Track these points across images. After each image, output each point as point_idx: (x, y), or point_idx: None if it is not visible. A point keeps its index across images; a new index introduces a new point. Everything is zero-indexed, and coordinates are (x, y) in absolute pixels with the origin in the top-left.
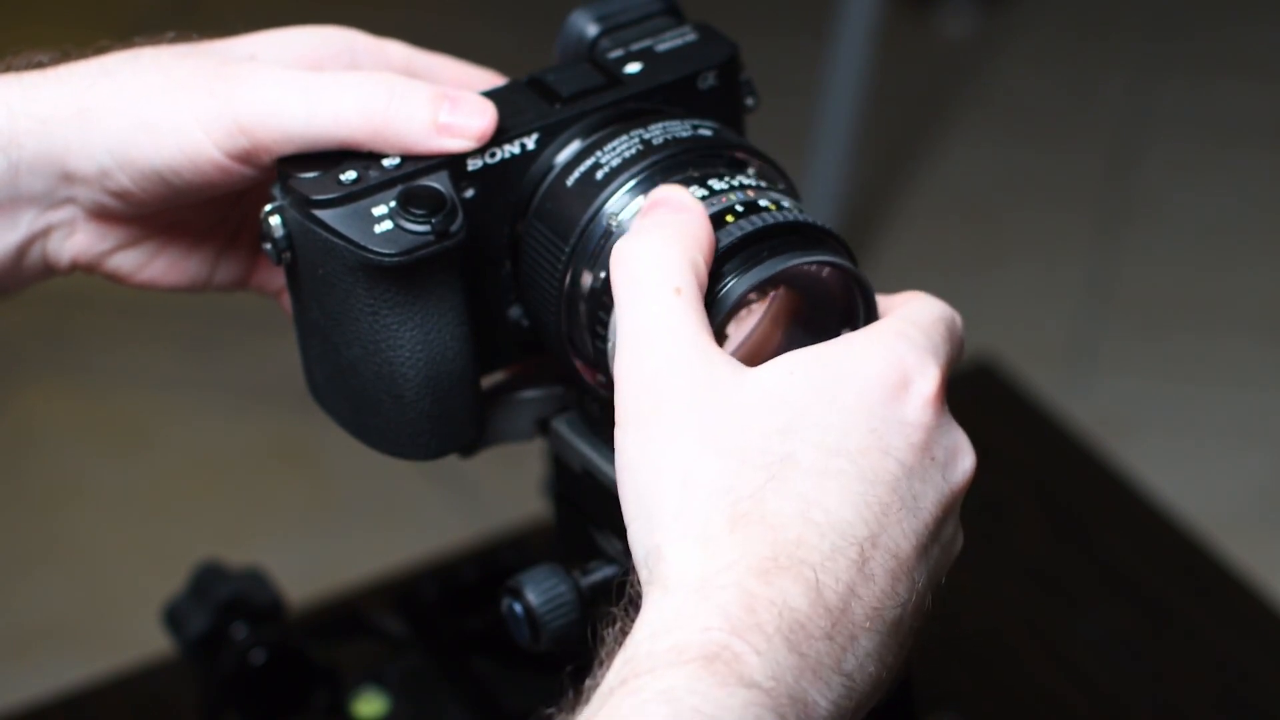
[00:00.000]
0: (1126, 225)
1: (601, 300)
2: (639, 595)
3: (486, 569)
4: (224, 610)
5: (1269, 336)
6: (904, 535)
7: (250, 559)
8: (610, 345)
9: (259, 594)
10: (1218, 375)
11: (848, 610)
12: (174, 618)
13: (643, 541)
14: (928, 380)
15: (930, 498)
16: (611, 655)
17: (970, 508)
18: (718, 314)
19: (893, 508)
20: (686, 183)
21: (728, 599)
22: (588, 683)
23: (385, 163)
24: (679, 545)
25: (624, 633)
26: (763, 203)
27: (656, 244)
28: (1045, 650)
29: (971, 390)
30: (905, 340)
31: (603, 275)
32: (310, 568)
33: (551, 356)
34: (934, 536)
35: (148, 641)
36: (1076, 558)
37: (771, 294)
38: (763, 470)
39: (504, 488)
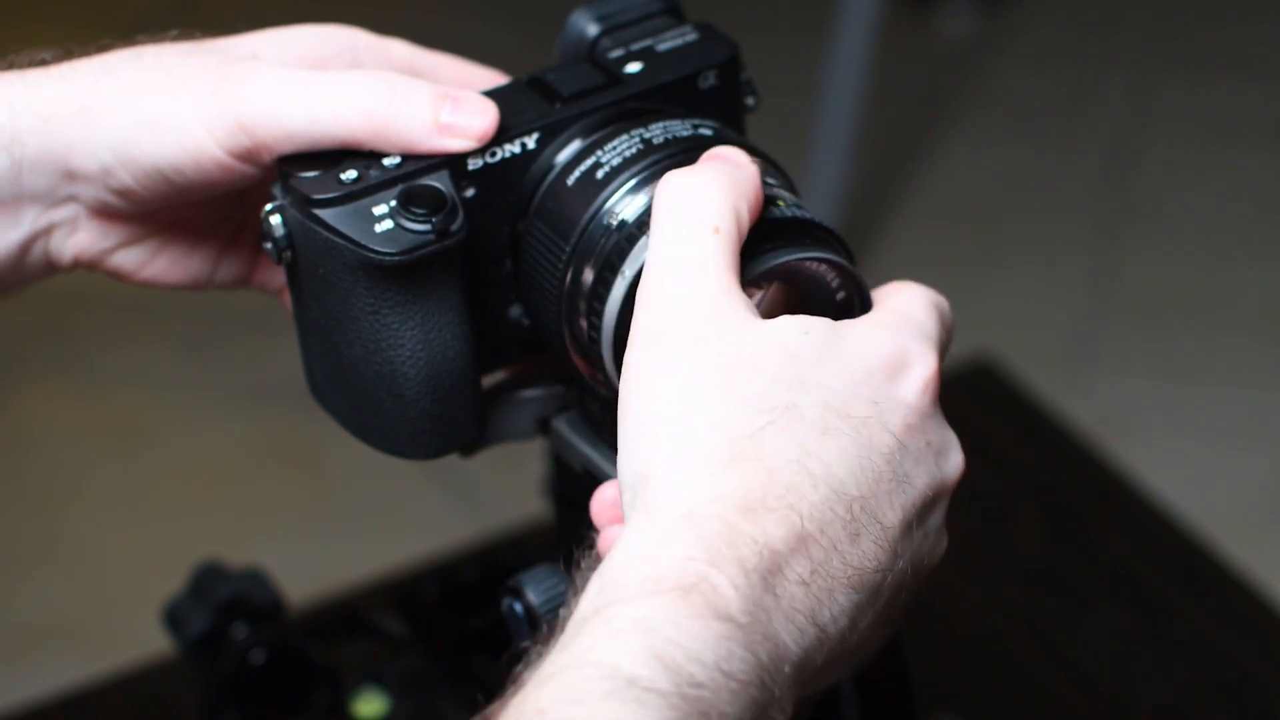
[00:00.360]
0: (1126, 225)
1: (597, 291)
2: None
3: (486, 569)
4: (224, 610)
5: (1269, 336)
6: (892, 507)
7: (250, 559)
8: (604, 331)
9: (259, 594)
10: (1218, 375)
11: (829, 563)
12: (174, 618)
13: (634, 465)
14: (926, 366)
15: (922, 480)
16: (586, 581)
17: (970, 507)
18: None
19: (885, 478)
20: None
21: (711, 531)
22: (562, 612)
23: (386, 162)
24: (670, 474)
25: (599, 558)
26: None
27: (705, 182)
28: (1045, 650)
29: (971, 390)
30: (905, 326)
31: (604, 272)
32: (310, 568)
33: (552, 356)
34: (920, 518)
35: (148, 641)
36: (1076, 558)
37: (764, 288)
38: (765, 415)
39: (504, 488)
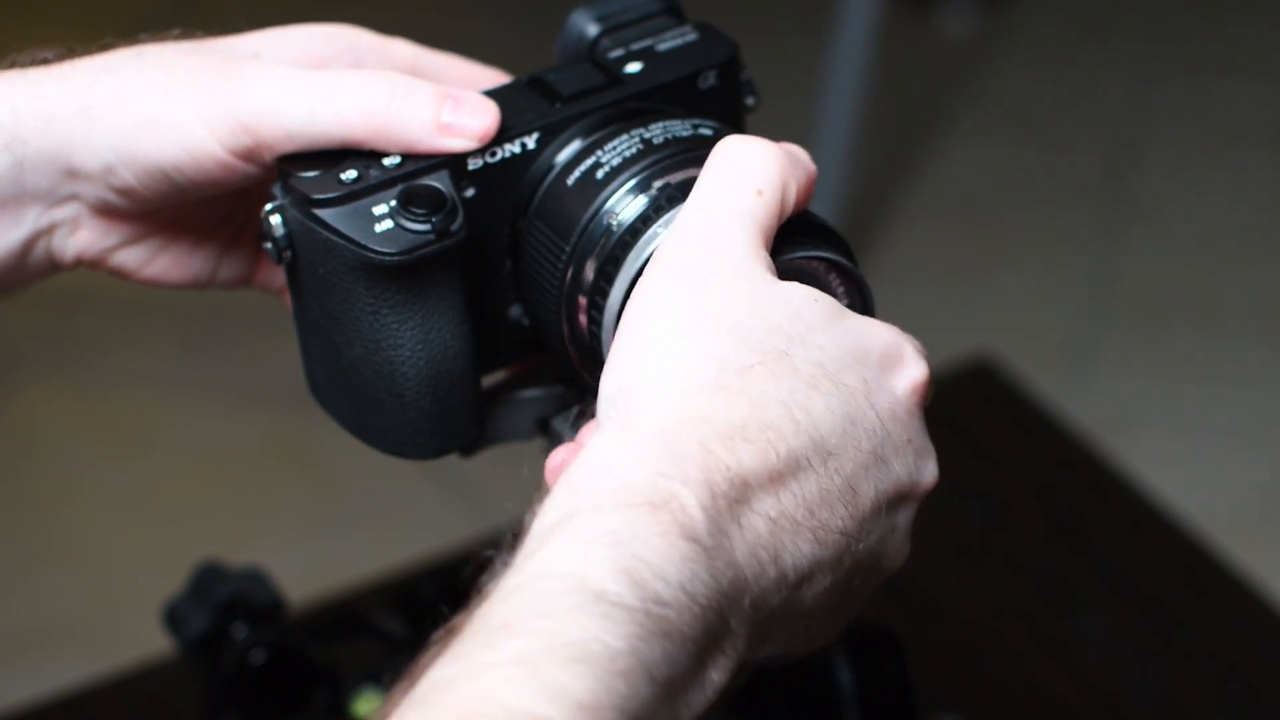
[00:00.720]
0: (1126, 225)
1: (598, 290)
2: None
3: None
4: (224, 610)
5: (1269, 337)
6: (866, 482)
7: (250, 559)
8: (604, 331)
9: (259, 594)
10: (1218, 375)
11: (796, 509)
12: (174, 618)
13: (618, 378)
14: (919, 370)
15: (899, 469)
16: (552, 489)
17: (970, 507)
18: None
19: (865, 451)
20: (679, 172)
21: (686, 451)
22: (526, 518)
23: (386, 162)
24: (654, 389)
25: (565, 464)
26: None
27: (761, 152)
28: (1045, 650)
29: (971, 390)
30: (905, 334)
31: (605, 269)
32: (310, 568)
33: (552, 356)
34: (890, 508)
35: (148, 641)
36: (1076, 558)
37: None
38: (758, 354)
39: (504, 488)
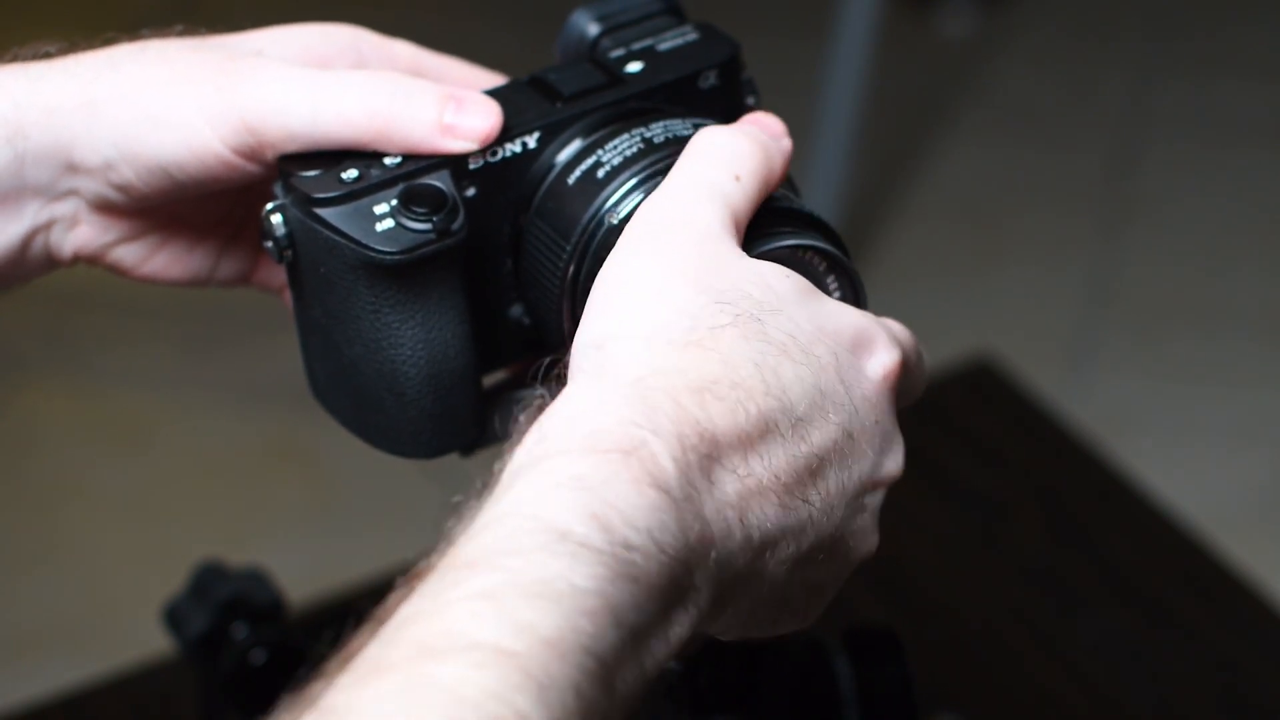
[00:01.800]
0: (1126, 225)
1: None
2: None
3: None
4: (224, 610)
5: (1269, 337)
6: (832, 455)
7: (250, 559)
8: None
9: (259, 594)
10: (1218, 375)
11: (764, 472)
12: (174, 618)
13: (592, 333)
14: (891, 355)
15: (865, 450)
16: (523, 436)
17: (970, 507)
18: None
19: (832, 424)
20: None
21: (657, 401)
22: (495, 465)
23: (387, 161)
24: (627, 342)
25: (540, 410)
26: None
27: (741, 139)
28: (1045, 650)
29: (971, 390)
30: (881, 321)
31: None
32: (310, 568)
33: (552, 355)
34: (855, 487)
35: (148, 641)
36: (1076, 558)
37: None
38: (730, 316)
39: None
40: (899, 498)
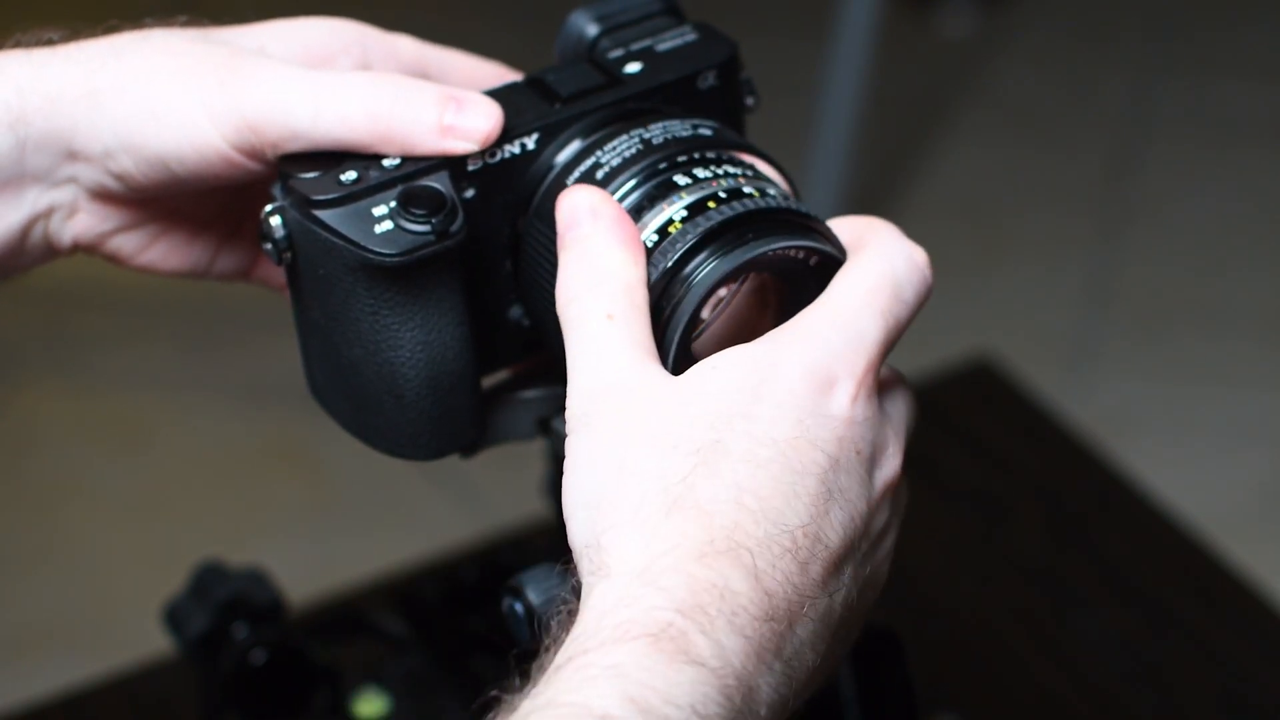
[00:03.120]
0: (1127, 226)
1: None
2: (580, 585)
3: (486, 569)
4: (224, 610)
5: (1269, 337)
6: (832, 527)
7: (250, 559)
8: None
9: (259, 594)
10: (1218, 375)
11: (785, 596)
12: (174, 618)
13: (582, 535)
14: (853, 376)
15: (856, 491)
16: (558, 641)
17: (970, 507)
18: (692, 300)
19: (821, 498)
20: (674, 171)
21: (671, 582)
22: (534, 665)
23: (385, 163)
24: (618, 533)
25: (571, 616)
26: (747, 190)
27: (582, 271)
28: (1045, 650)
29: (971, 390)
30: (833, 334)
31: None
32: (310, 568)
33: (552, 355)
34: (862, 531)
35: (148, 641)
36: (1076, 558)
37: (740, 280)
38: (692, 455)
39: (504, 488)
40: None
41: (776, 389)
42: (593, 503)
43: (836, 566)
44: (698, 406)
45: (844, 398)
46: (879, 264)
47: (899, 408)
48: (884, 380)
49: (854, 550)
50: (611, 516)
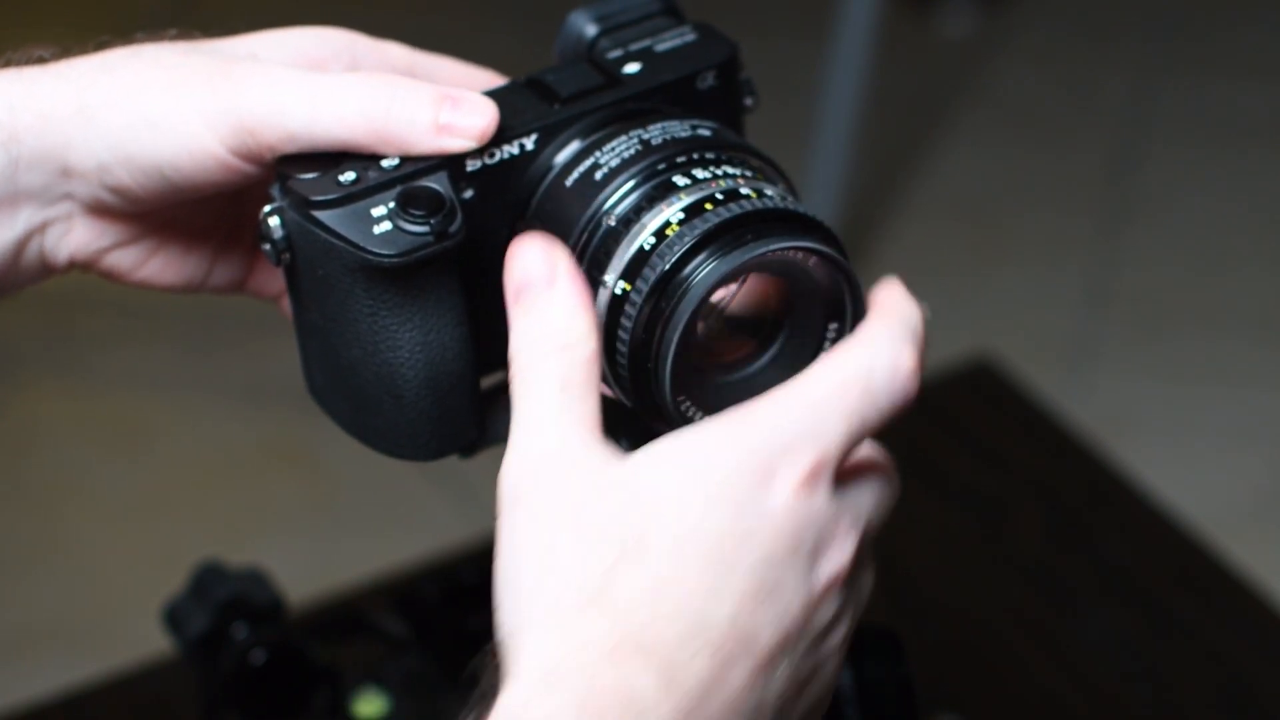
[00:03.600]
0: (1127, 225)
1: (594, 277)
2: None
3: (486, 569)
4: (224, 610)
5: (1269, 336)
6: (762, 625)
7: (250, 559)
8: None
9: (259, 594)
10: (1218, 375)
11: (702, 698)
12: (174, 618)
13: (505, 623)
14: (796, 468)
15: (792, 586)
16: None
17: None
18: (690, 302)
19: (750, 595)
20: (673, 171)
21: (572, 686)
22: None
23: (384, 163)
24: (531, 628)
25: (491, 695)
26: (744, 191)
27: (543, 336)
28: (1045, 650)
29: (971, 390)
30: (785, 422)
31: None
32: (310, 568)
33: None
34: (800, 628)
35: (148, 641)
36: (1076, 558)
37: (740, 281)
38: (616, 547)
39: None
40: (899, 497)
41: (710, 478)
42: (512, 592)
43: (768, 664)
44: (628, 494)
45: (784, 490)
46: (860, 356)
47: (864, 497)
48: (856, 465)
49: (789, 648)
50: (529, 611)
